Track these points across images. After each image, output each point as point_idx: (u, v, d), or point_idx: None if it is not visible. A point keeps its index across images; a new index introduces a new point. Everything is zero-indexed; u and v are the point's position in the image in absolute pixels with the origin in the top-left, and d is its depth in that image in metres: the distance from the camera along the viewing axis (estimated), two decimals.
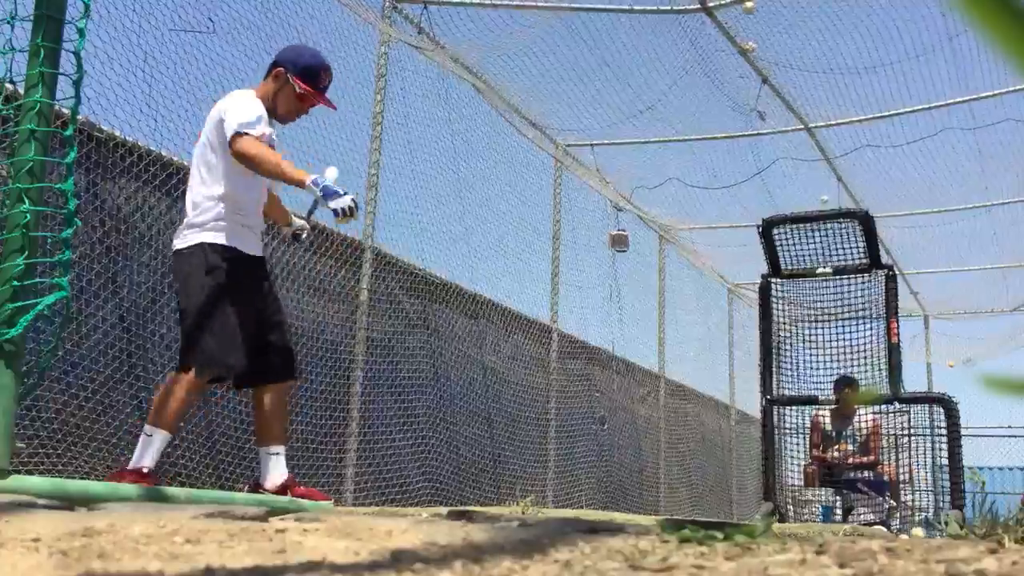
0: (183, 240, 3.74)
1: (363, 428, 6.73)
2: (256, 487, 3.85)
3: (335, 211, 3.58)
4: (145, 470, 3.48)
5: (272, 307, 3.90)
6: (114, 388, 4.89)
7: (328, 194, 3.56)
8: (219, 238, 3.71)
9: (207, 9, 5.55)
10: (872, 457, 7.33)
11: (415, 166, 7.62)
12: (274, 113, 3.90)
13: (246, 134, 3.62)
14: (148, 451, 3.51)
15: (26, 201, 2.45)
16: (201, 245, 3.69)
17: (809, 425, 7.56)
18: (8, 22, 2.58)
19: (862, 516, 7.05)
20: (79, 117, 2.62)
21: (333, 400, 6.49)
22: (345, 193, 3.57)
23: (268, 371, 3.84)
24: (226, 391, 5.35)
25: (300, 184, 3.61)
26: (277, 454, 3.83)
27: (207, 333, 3.59)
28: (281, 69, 3.90)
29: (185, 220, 3.77)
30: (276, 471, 3.81)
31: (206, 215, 3.72)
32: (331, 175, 3.67)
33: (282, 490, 3.78)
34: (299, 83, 3.90)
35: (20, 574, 1.13)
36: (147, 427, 3.57)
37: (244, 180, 3.76)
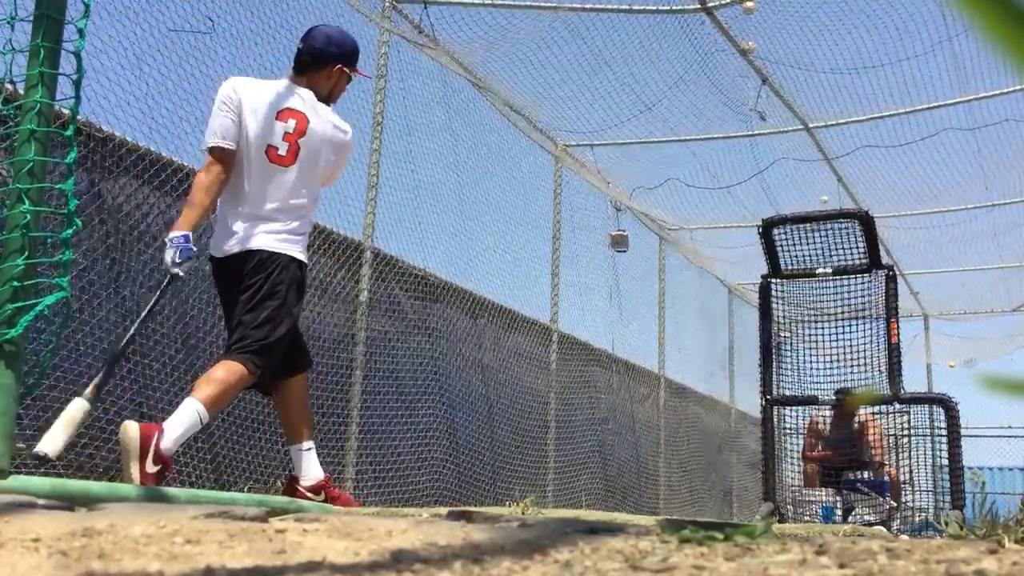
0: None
1: (363, 428, 6.73)
2: (291, 482, 3.87)
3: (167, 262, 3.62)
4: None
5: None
6: (115, 388, 4.89)
7: (174, 253, 3.59)
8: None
9: (207, 9, 5.55)
10: (876, 451, 7.31)
11: (415, 166, 7.63)
12: (328, 101, 3.98)
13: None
14: (184, 435, 3.50)
15: (26, 201, 2.45)
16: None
17: (806, 426, 7.55)
18: (8, 22, 2.58)
19: (863, 517, 7.05)
20: (79, 117, 2.63)
21: (333, 400, 6.49)
22: (178, 263, 3.58)
23: (279, 368, 3.84)
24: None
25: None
26: (309, 450, 3.86)
27: (276, 339, 3.74)
28: (341, 66, 3.96)
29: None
30: (309, 468, 3.84)
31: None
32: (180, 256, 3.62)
33: (316, 490, 3.80)
34: (356, 72, 4.07)
35: (20, 574, 1.13)
36: (201, 409, 3.53)
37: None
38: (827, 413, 7.43)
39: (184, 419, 3.41)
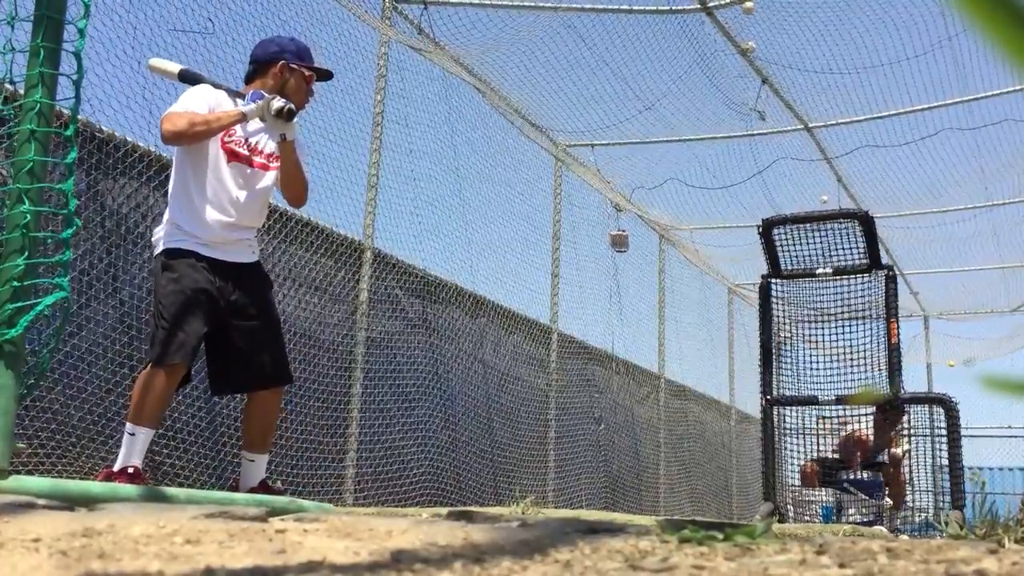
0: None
1: (363, 428, 6.73)
2: (233, 490, 3.87)
3: (278, 108, 3.72)
4: (131, 470, 3.45)
5: (257, 313, 3.83)
6: (115, 388, 4.89)
7: (256, 98, 3.72)
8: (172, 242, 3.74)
9: (208, 10, 5.55)
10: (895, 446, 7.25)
11: (415, 166, 7.63)
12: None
13: (163, 119, 3.68)
14: (133, 449, 3.50)
15: (26, 201, 2.45)
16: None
17: (842, 437, 7.46)
18: (8, 22, 2.58)
19: (861, 516, 7.04)
20: (79, 117, 2.62)
21: (333, 400, 6.49)
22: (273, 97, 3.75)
23: (251, 378, 3.83)
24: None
25: (242, 118, 3.72)
26: (252, 461, 3.84)
27: (159, 327, 3.61)
28: (283, 62, 3.91)
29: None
30: (249, 477, 3.82)
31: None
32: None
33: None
34: (304, 67, 3.96)
35: (20, 574, 1.13)
36: (128, 425, 3.55)
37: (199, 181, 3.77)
38: (867, 423, 7.30)
39: (123, 443, 3.56)
